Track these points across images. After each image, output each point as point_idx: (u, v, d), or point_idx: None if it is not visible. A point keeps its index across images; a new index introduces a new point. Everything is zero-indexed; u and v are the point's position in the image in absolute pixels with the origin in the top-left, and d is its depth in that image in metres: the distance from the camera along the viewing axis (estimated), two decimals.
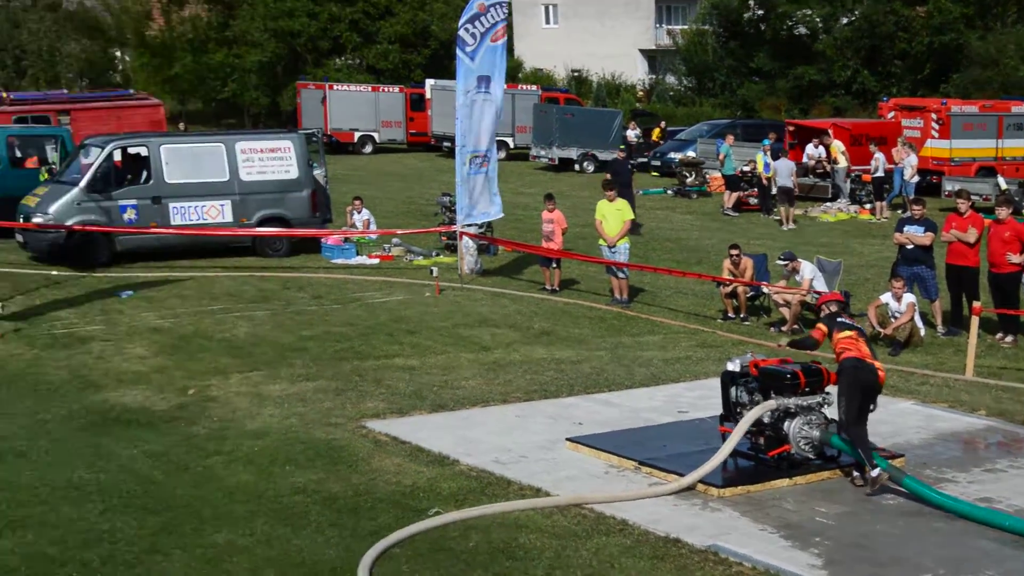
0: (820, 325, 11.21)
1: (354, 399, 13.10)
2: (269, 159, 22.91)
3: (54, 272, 20.57)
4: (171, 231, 21.72)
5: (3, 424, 11.95)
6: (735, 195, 31.57)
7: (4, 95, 33.30)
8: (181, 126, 45.97)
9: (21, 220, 21.52)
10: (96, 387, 13.57)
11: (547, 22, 70.27)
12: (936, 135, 34.57)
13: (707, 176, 36.09)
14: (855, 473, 10.45)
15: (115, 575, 8.32)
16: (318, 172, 24.05)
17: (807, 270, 16.92)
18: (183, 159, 22.27)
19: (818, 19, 54.87)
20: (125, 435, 11.69)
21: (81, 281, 19.91)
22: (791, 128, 37.87)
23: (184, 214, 21.99)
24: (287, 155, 23.03)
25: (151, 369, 14.41)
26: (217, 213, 22.28)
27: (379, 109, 49.40)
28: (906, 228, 17.11)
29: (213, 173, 22.33)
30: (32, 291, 19.01)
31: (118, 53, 64.23)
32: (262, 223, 22.60)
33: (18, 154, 25.61)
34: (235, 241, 22.54)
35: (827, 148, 33.90)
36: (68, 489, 10.00)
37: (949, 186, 30.36)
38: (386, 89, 50.41)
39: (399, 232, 24.15)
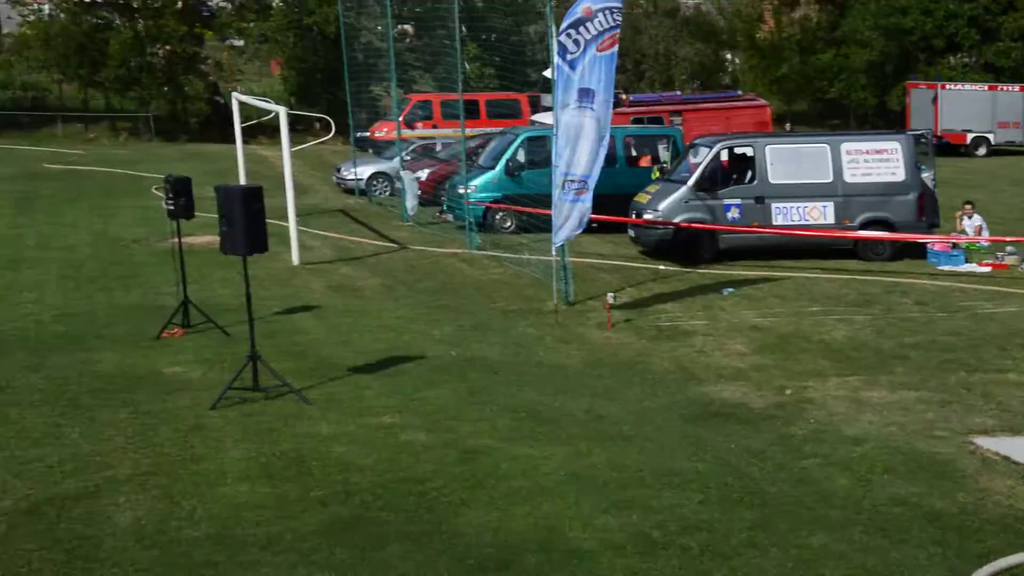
0: None
1: (960, 412, 12.42)
2: (875, 160, 22.38)
3: (661, 267, 21.49)
4: (773, 231, 21.91)
5: (613, 408, 12.65)
6: None
7: (624, 97, 35.37)
8: (787, 126, 46.40)
9: (633, 216, 22.73)
10: (697, 380, 13.98)
11: None
12: None
13: None
14: None
15: (712, 564, 8.48)
16: (926, 175, 23.10)
17: None
18: (787, 160, 22.34)
19: None
20: (723, 429, 11.92)
21: (685, 276, 20.63)
22: None
23: (786, 214, 22.08)
24: (894, 157, 22.37)
25: (749, 366, 14.59)
26: (819, 214, 22.12)
27: (996, 109, 46.80)
28: None
29: (816, 174, 22.19)
30: (640, 284, 20.00)
31: (728, 55, 65.93)
32: (865, 226, 22.14)
33: (633, 153, 27.08)
34: (836, 243, 22.28)
35: None
36: (669, 476, 10.34)
37: None
38: (1005, 88, 47.58)
39: (1014, 240, 22.63)
